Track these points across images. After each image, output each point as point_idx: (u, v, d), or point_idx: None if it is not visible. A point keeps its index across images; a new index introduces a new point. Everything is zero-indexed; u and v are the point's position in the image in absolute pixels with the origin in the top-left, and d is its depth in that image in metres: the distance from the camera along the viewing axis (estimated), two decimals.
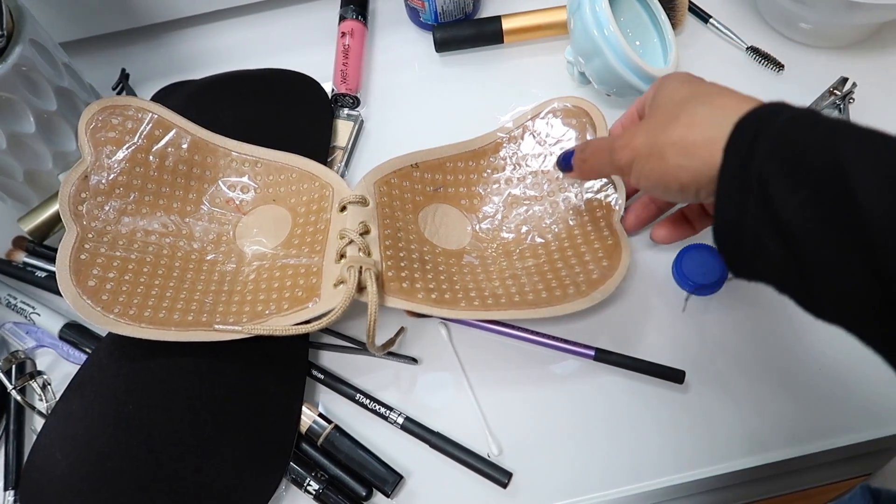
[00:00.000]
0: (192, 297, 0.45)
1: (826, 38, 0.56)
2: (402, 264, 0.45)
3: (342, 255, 0.44)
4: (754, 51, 0.56)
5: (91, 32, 0.62)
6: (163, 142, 0.50)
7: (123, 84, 0.58)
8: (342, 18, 0.60)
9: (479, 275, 0.46)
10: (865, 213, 0.25)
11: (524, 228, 0.49)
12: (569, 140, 0.51)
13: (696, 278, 0.46)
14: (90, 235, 0.46)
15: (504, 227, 0.49)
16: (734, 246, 0.31)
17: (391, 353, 0.46)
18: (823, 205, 0.27)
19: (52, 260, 0.51)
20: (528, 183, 0.50)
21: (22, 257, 0.51)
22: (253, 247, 0.50)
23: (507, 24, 0.58)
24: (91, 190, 0.47)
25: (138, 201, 0.49)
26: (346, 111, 0.56)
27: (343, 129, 0.55)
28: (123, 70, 0.59)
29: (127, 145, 0.49)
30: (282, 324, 0.42)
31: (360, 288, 0.42)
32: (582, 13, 0.49)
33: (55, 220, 0.51)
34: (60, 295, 0.49)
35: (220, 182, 0.51)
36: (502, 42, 0.59)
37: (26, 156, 0.49)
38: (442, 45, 0.59)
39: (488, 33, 0.58)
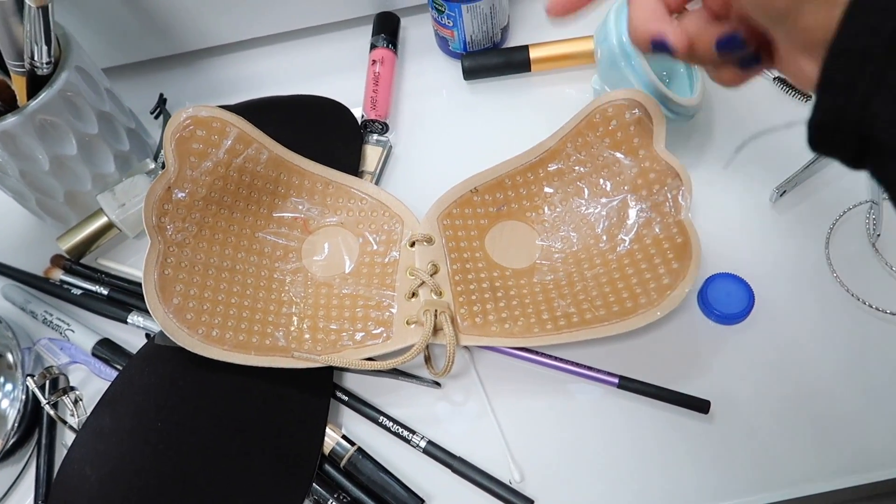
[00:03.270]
0: (267, 319, 0.46)
1: None
2: (474, 297, 0.46)
3: (413, 294, 0.46)
4: (781, 81, 0.56)
5: (131, 59, 0.64)
6: (242, 156, 0.49)
7: (161, 108, 0.59)
8: (373, 47, 0.61)
9: (550, 292, 0.46)
10: None
11: (590, 233, 0.48)
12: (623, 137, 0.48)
13: (720, 308, 0.46)
14: (172, 249, 0.45)
15: (572, 235, 0.49)
16: (829, 135, 0.26)
17: (415, 377, 0.46)
18: None
19: (87, 278, 0.53)
20: (589, 186, 0.49)
21: (59, 275, 0.53)
22: (319, 269, 0.50)
23: (534, 54, 0.59)
24: (173, 203, 0.46)
25: (216, 215, 0.48)
26: (374, 137, 0.57)
27: (372, 155, 0.56)
28: (161, 95, 0.60)
29: (210, 158, 0.48)
30: (355, 358, 0.44)
31: (435, 330, 0.44)
32: (609, 44, 0.50)
33: (92, 240, 0.53)
34: (94, 312, 0.51)
35: (290, 199, 0.51)
36: (529, 70, 0.60)
37: (67, 177, 0.51)
38: (470, 73, 0.60)
39: (516, 62, 0.59)
